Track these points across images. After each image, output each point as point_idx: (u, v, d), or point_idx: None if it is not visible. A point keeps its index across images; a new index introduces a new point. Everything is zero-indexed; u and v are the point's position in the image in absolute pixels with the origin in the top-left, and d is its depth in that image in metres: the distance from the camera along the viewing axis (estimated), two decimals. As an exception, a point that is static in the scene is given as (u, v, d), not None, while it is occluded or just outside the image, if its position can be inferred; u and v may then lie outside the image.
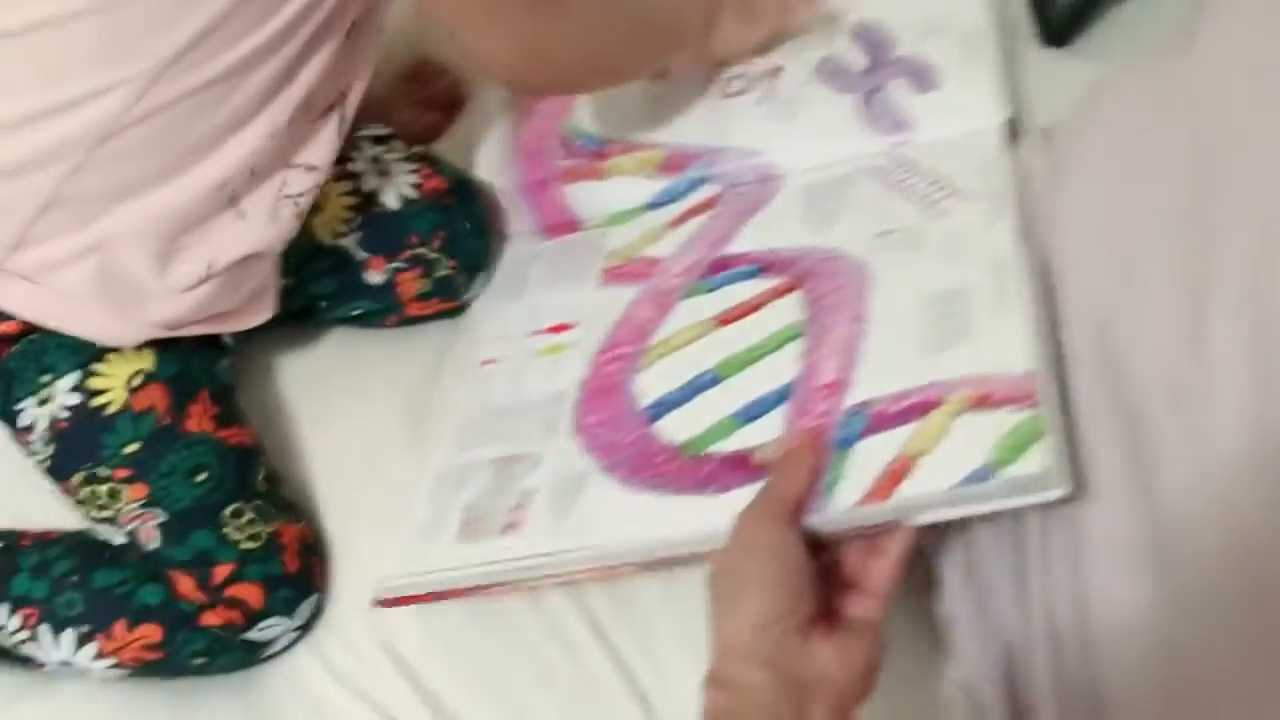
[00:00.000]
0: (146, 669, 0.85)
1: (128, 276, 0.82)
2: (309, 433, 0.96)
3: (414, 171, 0.98)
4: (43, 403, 0.86)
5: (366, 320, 0.99)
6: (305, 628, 0.86)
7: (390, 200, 0.96)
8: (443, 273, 0.96)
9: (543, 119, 1.02)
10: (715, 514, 0.70)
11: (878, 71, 0.93)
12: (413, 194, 0.97)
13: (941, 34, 0.93)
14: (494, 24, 0.81)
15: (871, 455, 0.68)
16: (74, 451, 0.86)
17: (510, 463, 0.81)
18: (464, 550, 0.77)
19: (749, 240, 0.88)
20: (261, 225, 0.86)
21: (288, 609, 0.84)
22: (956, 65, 0.90)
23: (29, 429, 0.87)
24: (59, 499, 0.89)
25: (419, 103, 1.11)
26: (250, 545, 0.84)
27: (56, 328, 0.84)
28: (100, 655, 0.84)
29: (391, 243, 0.96)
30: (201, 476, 0.85)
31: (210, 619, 0.83)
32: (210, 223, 0.84)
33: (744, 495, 0.70)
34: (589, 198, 0.97)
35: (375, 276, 0.96)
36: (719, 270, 0.87)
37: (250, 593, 0.83)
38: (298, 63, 0.82)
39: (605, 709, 0.79)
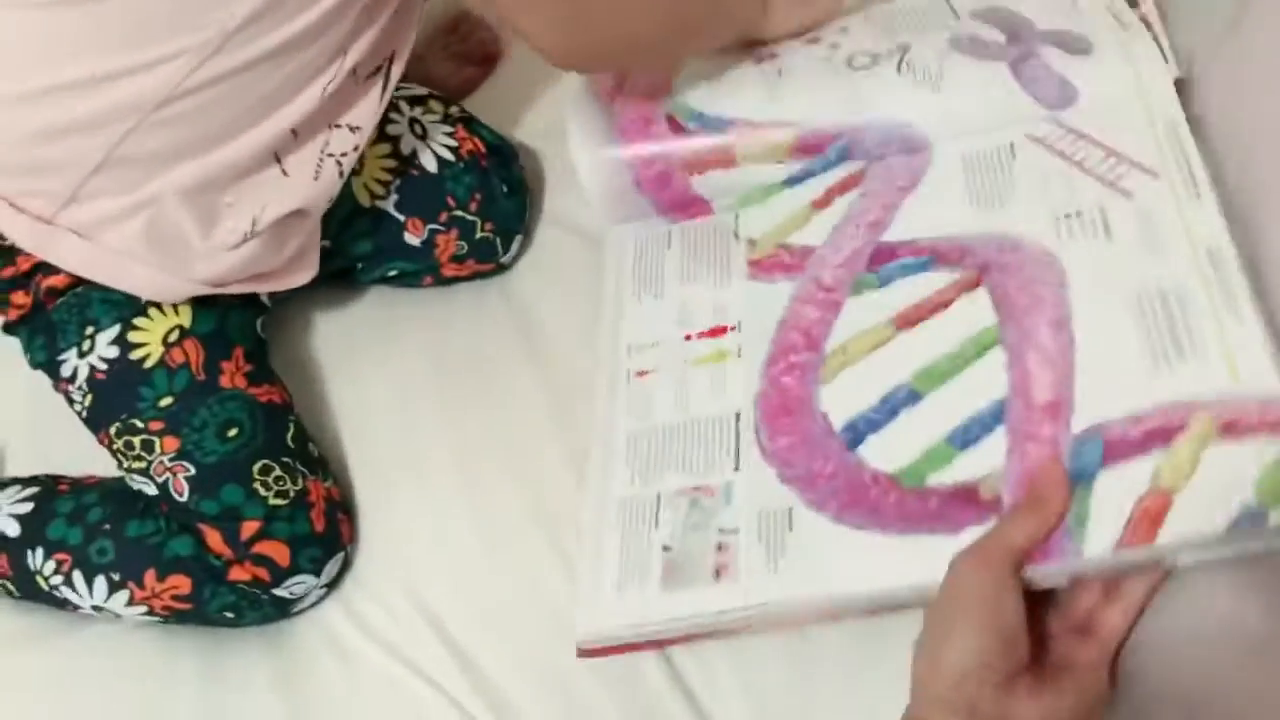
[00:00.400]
0: (178, 617, 0.88)
1: (174, 234, 0.83)
2: (339, 388, 1.00)
3: (451, 134, 0.98)
4: (83, 354, 0.88)
5: (402, 280, 1.02)
6: (332, 585, 0.90)
7: (428, 162, 0.98)
8: (480, 235, 0.98)
9: (639, 98, 0.92)
10: (948, 557, 0.67)
11: (1021, 42, 0.86)
12: (450, 156, 0.97)
13: (1079, 9, 0.86)
14: (538, 7, 0.78)
15: (1118, 490, 0.65)
16: (111, 402, 0.88)
17: (700, 494, 0.77)
18: (674, 599, 0.73)
19: (911, 224, 0.83)
20: (305, 183, 0.86)
21: (314, 568, 0.88)
22: (1106, 32, 0.84)
23: (70, 378, 0.89)
24: (96, 450, 0.91)
25: (456, 56, 1.12)
26: (278, 502, 0.87)
27: (104, 282, 0.86)
28: (132, 602, 0.87)
29: (430, 205, 0.97)
30: (233, 432, 0.88)
31: (238, 574, 0.86)
32: (255, 181, 0.85)
33: (976, 535, 0.67)
34: (719, 183, 0.90)
35: (413, 238, 0.98)
36: (884, 261, 0.82)
37: (277, 551, 0.86)
38: (352, 34, 0.82)
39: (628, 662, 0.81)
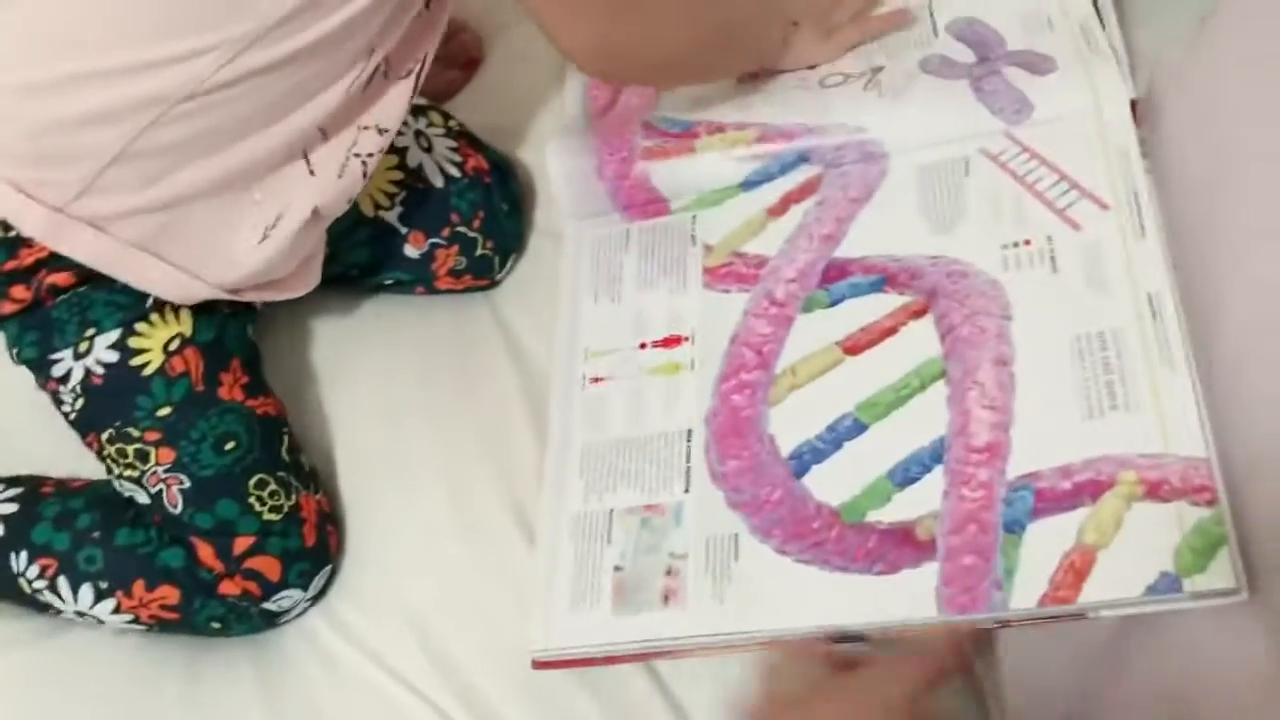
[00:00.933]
0: (163, 627, 0.89)
1: (195, 230, 0.83)
2: (328, 393, 1.00)
3: (455, 149, 0.98)
4: (79, 355, 0.87)
5: (395, 289, 1.01)
6: (318, 597, 0.91)
7: (434, 177, 0.97)
8: (480, 252, 0.98)
9: (626, 110, 0.95)
10: (885, 597, 0.71)
11: (988, 63, 0.87)
12: (455, 172, 0.98)
13: (1053, 28, 0.86)
14: (575, 19, 0.78)
15: (1045, 543, 0.69)
16: (106, 407, 0.87)
17: (651, 514, 0.80)
18: (624, 624, 0.77)
19: (865, 239, 0.84)
20: (329, 181, 0.85)
21: (303, 582, 0.89)
22: (1072, 53, 0.84)
23: (63, 379, 0.87)
24: (79, 453, 0.90)
25: (438, 59, 1.06)
26: (272, 517, 0.88)
27: (116, 276, 0.84)
28: (118, 610, 0.88)
29: (434, 219, 0.97)
30: (230, 445, 0.88)
31: (228, 588, 0.87)
32: (281, 178, 0.84)
33: (911, 577, 0.71)
34: (676, 176, 0.91)
35: (414, 250, 0.98)
36: (836, 278, 0.83)
37: (268, 565, 0.87)
38: (383, 34, 0.81)
39: (611, 669, 0.82)
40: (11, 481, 0.93)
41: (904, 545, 0.72)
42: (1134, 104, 0.82)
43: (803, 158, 0.89)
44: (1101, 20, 0.85)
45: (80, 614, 0.88)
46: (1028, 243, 0.79)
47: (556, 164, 0.94)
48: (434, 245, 0.97)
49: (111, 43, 0.75)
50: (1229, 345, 0.70)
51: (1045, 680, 0.75)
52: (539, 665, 0.79)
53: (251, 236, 0.84)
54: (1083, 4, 0.86)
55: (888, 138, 0.87)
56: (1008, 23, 0.88)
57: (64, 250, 0.82)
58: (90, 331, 0.86)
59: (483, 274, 0.99)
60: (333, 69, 0.80)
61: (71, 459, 0.93)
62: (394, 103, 0.86)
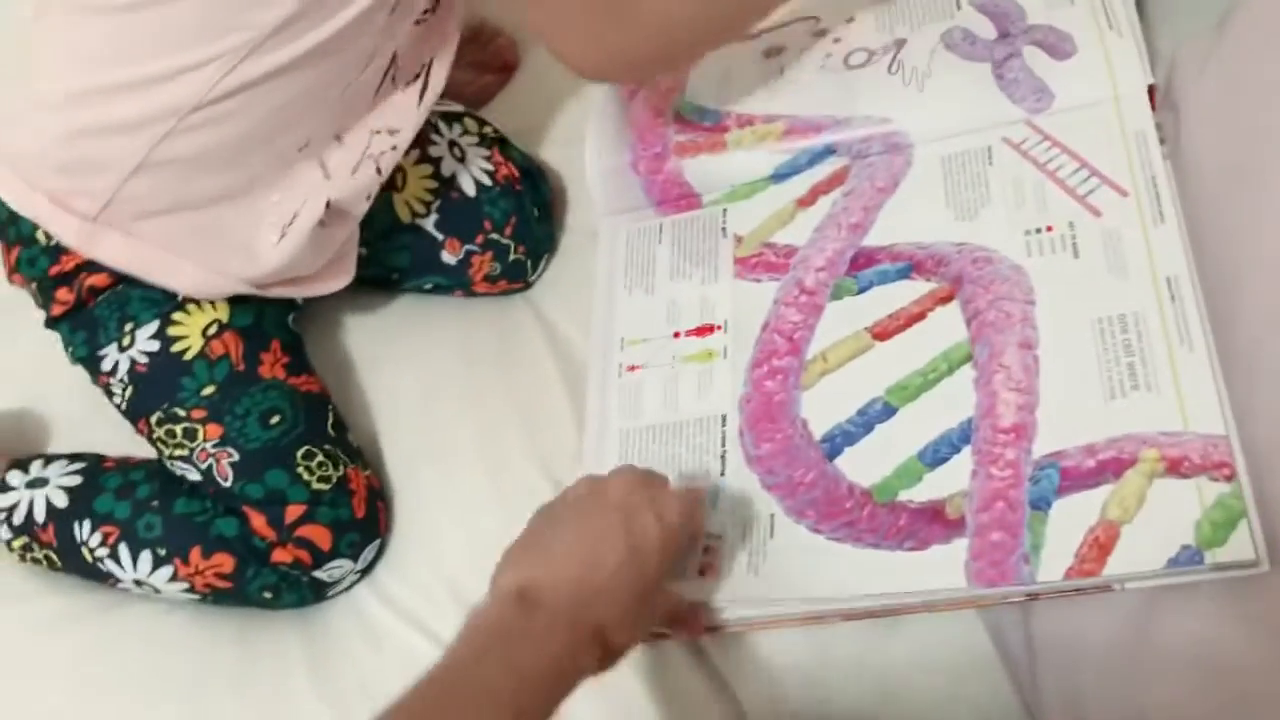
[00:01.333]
0: (216, 596, 0.92)
1: (217, 231, 0.86)
2: (370, 379, 1.03)
3: (488, 158, 1.01)
4: (123, 348, 0.91)
5: (434, 293, 1.04)
6: (367, 570, 0.94)
7: (467, 186, 1.00)
8: (513, 258, 1.01)
9: (655, 95, 0.98)
10: (916, 571, 0.74)
11: (1009, 41, 0.89)
12: (487, 181, 1.00)
13: (1072, 1, 0.88)
14: (573, 26, 0.80)
15: (1070, 519, 0.71)
16: (152, 392, 0.92)
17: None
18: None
19: (891, 227, 0.87)
20: (343, 180, 0.89)
21: (353, 553, 0.92)
22: (1092, 32, 0.86)
23: (111, 372, 0.92)
24: (134, 442, 0.95)
25: (474, 64, 1.12)
26: (321, 487, 0.91)
27: (145, 278, 0.89)
28: (174, 578, 0.91)
29: (467, 227, 1.00)
30: (275, 419, 0.91)
31: (281, 556, 0.90)
32: (296, 180, 0.87)
33: (941, 553, 0.74)
34: (708, 171, 0.94)
35: (450, 256, 1.01)
36: (864, 266, 0.86)
37: (319, 534, 0.90)
38: (385, 40, 0.83)
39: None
40: (75, 458, 0.97)
41: (934, 523, 0.75)
42: (1151, 90, 0.84)
43: (830, 150, 0.91)
44: None
45: (139, 583, 0.91)
46: (1050, 229, 0.82)
47: (593, 161, 0.97)
48: (469, 252, 1.00)
49: (117, 58, 0.80)
50: (1248, 325, 0.73)
51: (1074, 653, 0.77)
52: None
53: (271, 235, 0.87)
54: None
55: (912, 129, 0.89)
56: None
57: (96, 256, 0.87)
58: (129, 326, 0.90)
59: (517, 278, 1.03)
60: (337, 75, 0.83)
61: (128, 449, 0.97)
62: (404, 106, 0.89)
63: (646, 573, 0.69)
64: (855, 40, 0.94)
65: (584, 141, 0.99)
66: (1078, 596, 0.71)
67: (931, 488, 0.76)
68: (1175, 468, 0.70)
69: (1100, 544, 0.70)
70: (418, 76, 0.89)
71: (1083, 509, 0.71)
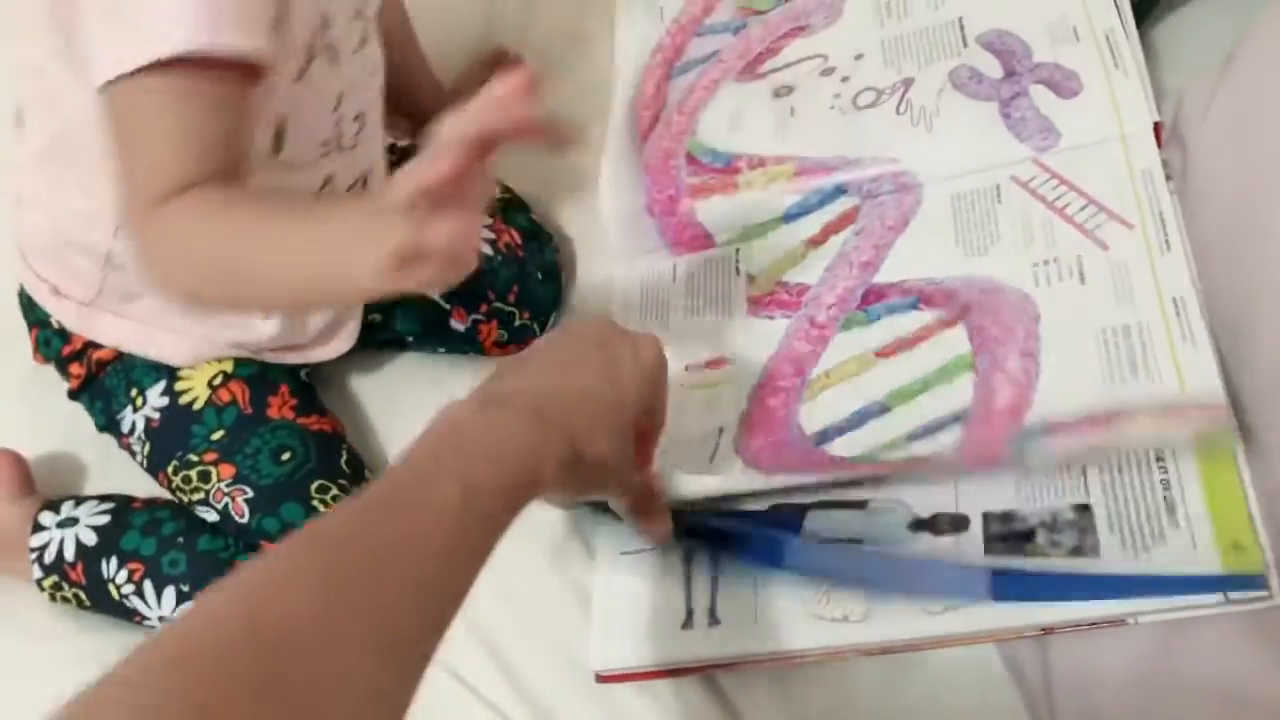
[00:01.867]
0: None
1: (203, 311, 0.89)
2: (384, 427, 1.03)
3: (489, 226, 1.01)
4: (137, 409, 0.95)
5: (447, 354, 1.05)
6: None
7: None
8: (519, 323, 1.02)
9: (667, 139, 1.00)
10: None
11: (1015, 79, 0.91)
12: (488, 250, 1.00)
13: (1078, 39, 0.90)
14: (169, 269, 0.73)
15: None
16: (166, 443, 0.94)
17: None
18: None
19: (901, 265, 0.88)
20: None
21: None
22: (1098, 70, 0.88)
23: (129, 433, 0.96)
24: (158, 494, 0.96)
25: None
26: None
27: (141, 354, 0.93)
28: None
29: (471, 297, 1.00)
30: (286, 455, 0.92)
31: None
32: None
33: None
34: (721, 213, 0.96)
35: (458, 324, 1.01)
36: (874, 301, 0.87)
37: None
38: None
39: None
40: (105, 498, 0.99)
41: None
42: (1157, 128, 0.85)
43: (840, 190, 0.93)
44: (1125, 29, 0.89)
45: (163, 619, 0.91)
46: (1057, 260, 0.83)
47: (609, 204, 1.00)
48: (475, 321, 1.01)
49: (63, 187, 0.86)
50: (1268, 357, 0.72)
51: (1092, 685, 0.77)
52: (602, 680, 0.82)
53: (257, 311, 0.90)
54: (1108, 14, 0.90)
55: (921, 168, 0.91)
56: (1034, 32, 0.92)
57: (94, 337, 0.93)
58: (135, 391, 0.95)
59: (526, 340, 1.02)
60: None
61: (157, 491, 0.97)
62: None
63: (621, 396, 0.67)
64: (863, 79, 0.96)
65: (596, 186, 1.00)
66: (1091, 630, 0.71)
67: (914, 452, 0.78)
68: (1169, 416, 0.72)
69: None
70: (353, 185, 0.90)
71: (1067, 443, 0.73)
